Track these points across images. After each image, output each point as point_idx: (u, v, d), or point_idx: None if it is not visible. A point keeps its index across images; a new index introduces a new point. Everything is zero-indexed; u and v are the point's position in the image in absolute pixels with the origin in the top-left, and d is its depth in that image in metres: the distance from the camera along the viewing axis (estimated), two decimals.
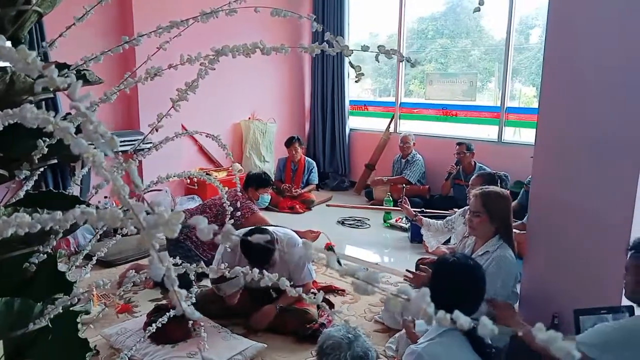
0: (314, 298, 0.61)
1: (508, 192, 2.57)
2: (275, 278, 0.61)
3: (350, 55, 0.64)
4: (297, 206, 5.24)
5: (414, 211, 3.53)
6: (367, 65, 6.96)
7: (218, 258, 2.77)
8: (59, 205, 0.83)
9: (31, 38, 3.36)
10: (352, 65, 0.66)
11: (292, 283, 0.53)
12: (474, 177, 3.18)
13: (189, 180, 5.09)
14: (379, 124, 6.29)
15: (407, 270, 3.04)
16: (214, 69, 0.70)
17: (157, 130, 0.82)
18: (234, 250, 2.60)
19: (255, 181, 3.83)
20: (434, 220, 3.40)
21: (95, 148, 0.37)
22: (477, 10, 0.68)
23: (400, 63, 5.60)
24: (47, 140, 0.82)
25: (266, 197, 3.84)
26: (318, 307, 2.84)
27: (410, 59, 0.66)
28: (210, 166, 5.45)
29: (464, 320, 0.27)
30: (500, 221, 2.36)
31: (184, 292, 0.33)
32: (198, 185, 5.05)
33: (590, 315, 1.98)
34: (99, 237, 1.01)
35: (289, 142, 5.46)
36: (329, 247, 3.50)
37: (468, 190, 3.16)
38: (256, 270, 0.63)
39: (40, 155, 0.81)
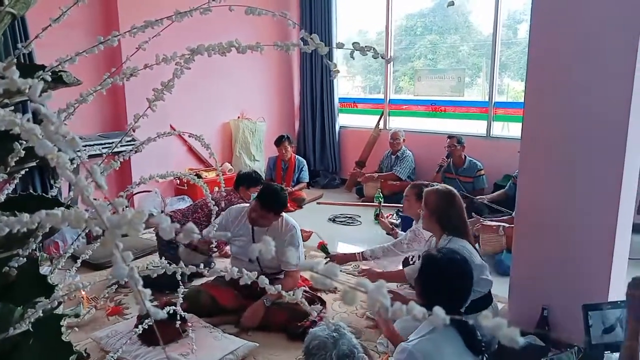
0: (293, 295, 0.61)
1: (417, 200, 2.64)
2: (254, 276, 0.62)
3: (325, 53, 0.64)
4: (288, 204, 5.23)
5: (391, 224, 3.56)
6: (357, 62, 6.97)
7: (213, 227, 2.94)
8: (39, 208, 0.83)
9: (15, 40, 3.32)
10: (327, 62, 0.66)
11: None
12: (408, 187, 3.24)
13: (178, 181, 5.07)
14: (368, 121, 6.30)
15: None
16: (189, 68, 0.70)
17: (134, 131, 0.81)
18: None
19: (246, 180, 3.83)
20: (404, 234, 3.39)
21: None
22: (451, 4, 0.68)
23: (387, 62, 5.60)
24: (25, 143, 0.82)
25: None
26: (311, 301, 2.85)
27: (385, 55, 0.66)
28: (200, 166, 5.43)
29: (418, 311, 0.27)
30: (439, 217, 2.48)
31: (148, 291, 0.33)
32: (188, 185, 5.03)
33: (597, 310, 2.04)
34: (90, 239, 1.01)
35: (279, 141, 5.45)
36: (322, 247, 3.48)
37: (404, 200, 3.25)
38: (234, 268, 0.63)
39: (18, 158, 0.80)
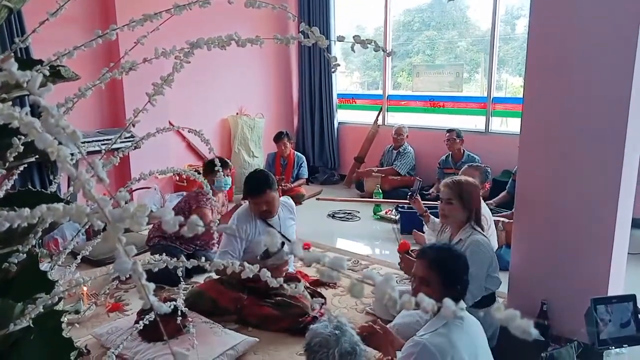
0: (295, 288, 0.61)
1: (480, 183, 2.62)
2: (255, 269, 0.61)
3: (325, 46, 0.64)
4: None
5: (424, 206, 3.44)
6: (356, 58, 6.96)
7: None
8: (38, 203, 0.82)
9: (11, 35, 3.31)
10: (327, 56, 0.66)
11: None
12: (466, 167, 3.20)
13: (178, 177, 5.06)
14: (367, 117, 6.30)
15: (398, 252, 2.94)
16: (189, 62, 0.69)
17: (133, 126, 0.81)
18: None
19: (208, 166, 3.68)
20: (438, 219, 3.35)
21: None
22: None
23: (387, 56, 5.60)
24: (23, 138, 0.81)
25: (227, 179, 3.74)
26: (311, 297, 2.84)
27: (386, 49, 0.66)
28: (199, 163, 5.42)
29: (428, 303, 0.27)
30: (472, 209, 2.45)
31: (151, 285, 0.33)
32: (187, 182, 5.02)
33: (605, 304, 2.07)
34: (90, 236, 1.00)
35: (278, 138, 5.44)
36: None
37: None
38: (236, 262, 0.62)
39: (16, 153, 0.79)
